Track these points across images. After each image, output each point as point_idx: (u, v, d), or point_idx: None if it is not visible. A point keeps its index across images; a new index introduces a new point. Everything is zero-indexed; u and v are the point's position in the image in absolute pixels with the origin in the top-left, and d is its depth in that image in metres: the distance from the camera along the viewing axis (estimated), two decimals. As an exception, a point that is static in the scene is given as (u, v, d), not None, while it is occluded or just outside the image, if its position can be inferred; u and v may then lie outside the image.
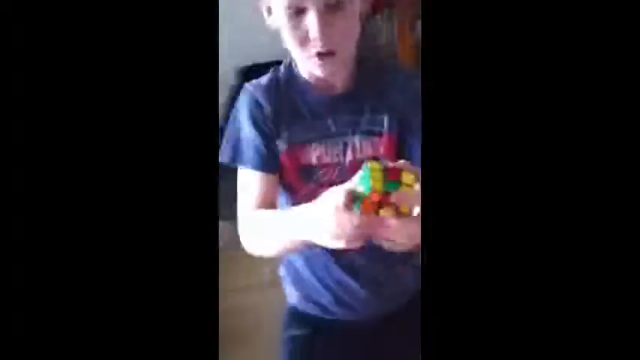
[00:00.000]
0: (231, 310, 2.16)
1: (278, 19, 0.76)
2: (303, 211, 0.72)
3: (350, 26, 0.76)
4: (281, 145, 0.85)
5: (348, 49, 0.80)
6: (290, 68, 0.87)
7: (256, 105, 0.85)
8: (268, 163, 0.85)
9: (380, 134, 0.86)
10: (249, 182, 0.86)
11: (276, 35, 0.80)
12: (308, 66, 0.81)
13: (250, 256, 0.89)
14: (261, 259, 0.88)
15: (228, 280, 2.34)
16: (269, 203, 0.85)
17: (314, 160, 0.85)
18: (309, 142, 0.85)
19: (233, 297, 2.16)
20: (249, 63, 2.56)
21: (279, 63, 0.89)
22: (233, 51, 2.39)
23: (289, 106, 0.86)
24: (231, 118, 0.89)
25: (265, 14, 0.80)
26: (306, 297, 0.99)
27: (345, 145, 0.85)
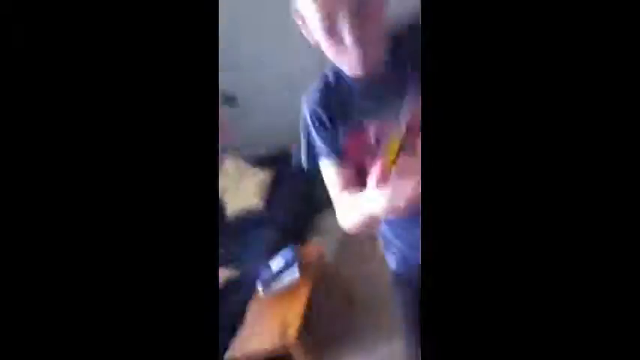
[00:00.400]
0: (356, 280, 2.43)
1: (314, 32, 0.86)
2: (365, 192, 0.85)
3: (378, 28, 0.85)
4: (342, 138, 0.98)
5: (379, 47, 0.88)
6: (337, 72, 0.98)
7: (314, 113, 1.00)
8: (336, 154, 1.00)
9: None
10: (329, 174, 1.02)
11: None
12: (349, 69, 0.89)
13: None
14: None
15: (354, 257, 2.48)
16: (350, 186, 1.00)
17: (373, 139, 0.96)
18: (365, 124, 0.96)
19: (357, 270, 2.49)
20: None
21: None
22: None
23: (342, 104, 0.98)
24: (302, 131, 1.05)
25: (300, 22, 0.89)
26: (400, 260, 1.13)
27: (399, 110, 0.89)
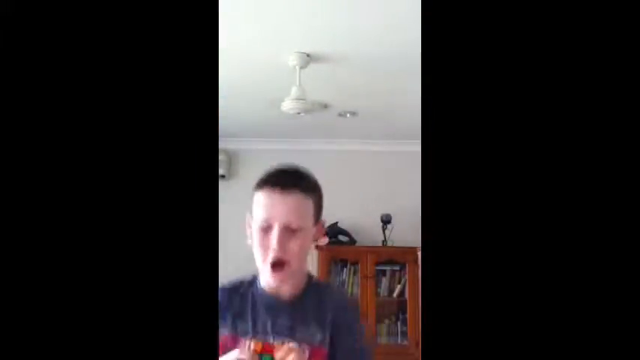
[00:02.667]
0: None
1: (253, 236, 0.99)
2: None
3: (301, 246, 0.98)
4: (224, 331, 1.03)
5: (297, 262, 1.00)
6: (255, 278, 1.08)
7: None
8: None
9: (312, 345, 1.01)
10: None
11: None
12: (264, 272, 1.00)
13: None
14: None
15: None
16: None
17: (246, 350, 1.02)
18: (247, 334, 1.02)
19: None
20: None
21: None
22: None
23: (241, 303, 1.06)
24: None
25: (248, 236, 1.02)
26: None
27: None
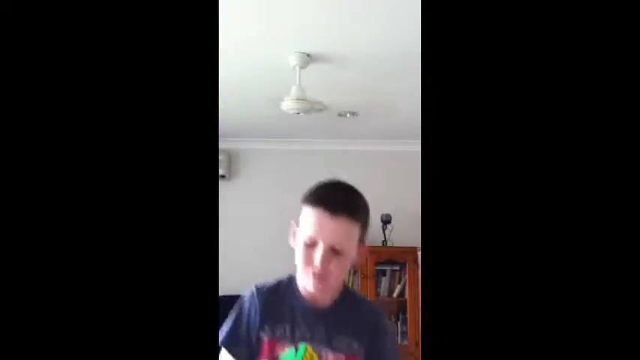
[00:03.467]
0: None
1: (297, 244, 1.04)
2: None
3: (342, 267, 1.03)
4: (263, 335, 1.06)
5: (336, 280, 1.06)
6: (292, 280, 1.12)
7: (251, 300, 1.11)
8: (237, 345, 1.06)
9: (347, 354, 1.05)
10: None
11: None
12: (305, 280, 1.05)
13: None
14: None
15: None
16: None
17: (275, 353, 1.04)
18: (286, 341, 1.05)
19: None
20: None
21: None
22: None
23: (280, 307, 1.08)
24: (234, 306, 1.13)
25: (291, 238, 1.08)
26: None
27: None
